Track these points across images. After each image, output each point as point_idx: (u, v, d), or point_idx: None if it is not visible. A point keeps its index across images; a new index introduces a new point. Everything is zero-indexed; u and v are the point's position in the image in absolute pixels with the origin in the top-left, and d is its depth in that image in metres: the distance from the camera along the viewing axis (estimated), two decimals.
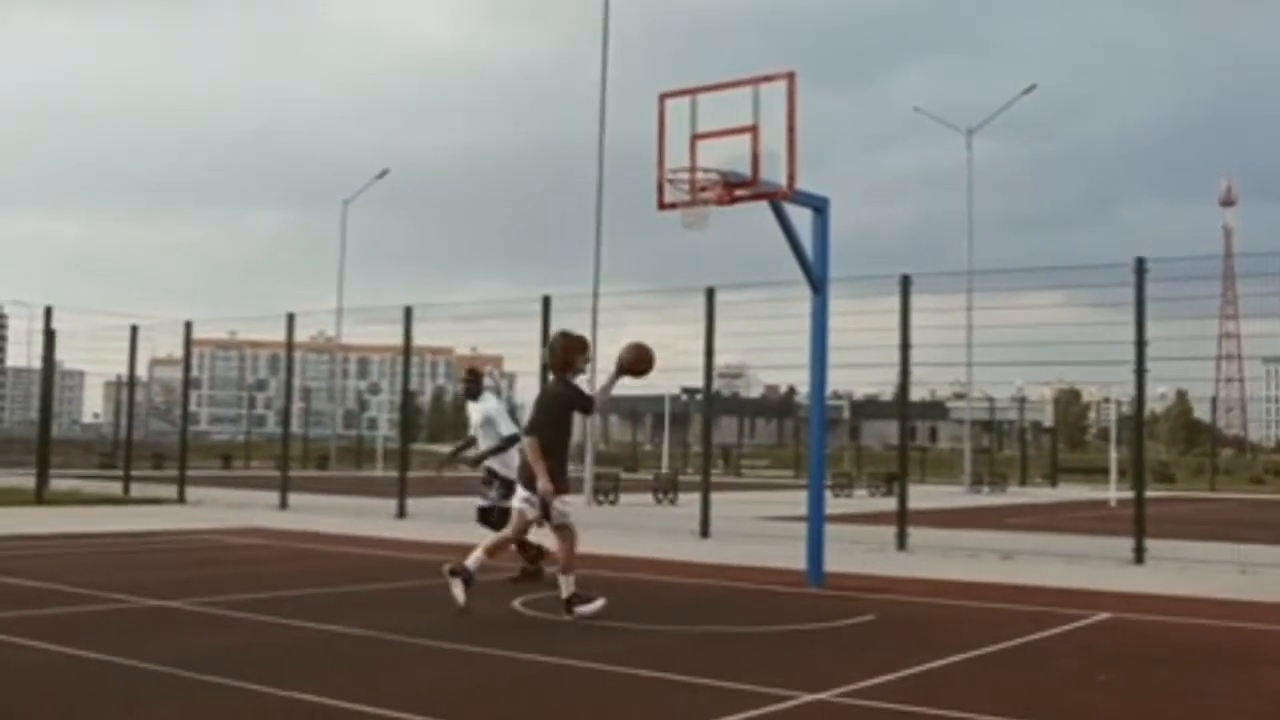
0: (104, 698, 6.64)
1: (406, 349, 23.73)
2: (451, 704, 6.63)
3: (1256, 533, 21.18)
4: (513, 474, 12.16)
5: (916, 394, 16.90)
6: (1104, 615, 10.54)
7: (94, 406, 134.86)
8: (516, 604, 10.58)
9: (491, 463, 12.82)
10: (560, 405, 10.02)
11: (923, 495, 29.70)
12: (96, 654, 7.74)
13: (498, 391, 16.36)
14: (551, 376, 10.32)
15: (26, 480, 27.30)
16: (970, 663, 8.22)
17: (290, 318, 25.00)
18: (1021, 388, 60.26)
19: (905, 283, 17.19)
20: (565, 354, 10.12)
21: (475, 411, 13.06)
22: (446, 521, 21.07)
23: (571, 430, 10.19)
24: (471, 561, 10.06)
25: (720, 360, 20.81)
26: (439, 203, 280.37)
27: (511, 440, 12.60)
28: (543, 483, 9.69)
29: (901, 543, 16.91)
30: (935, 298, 20.82)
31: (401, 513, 22.31)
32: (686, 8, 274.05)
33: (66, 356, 38.51)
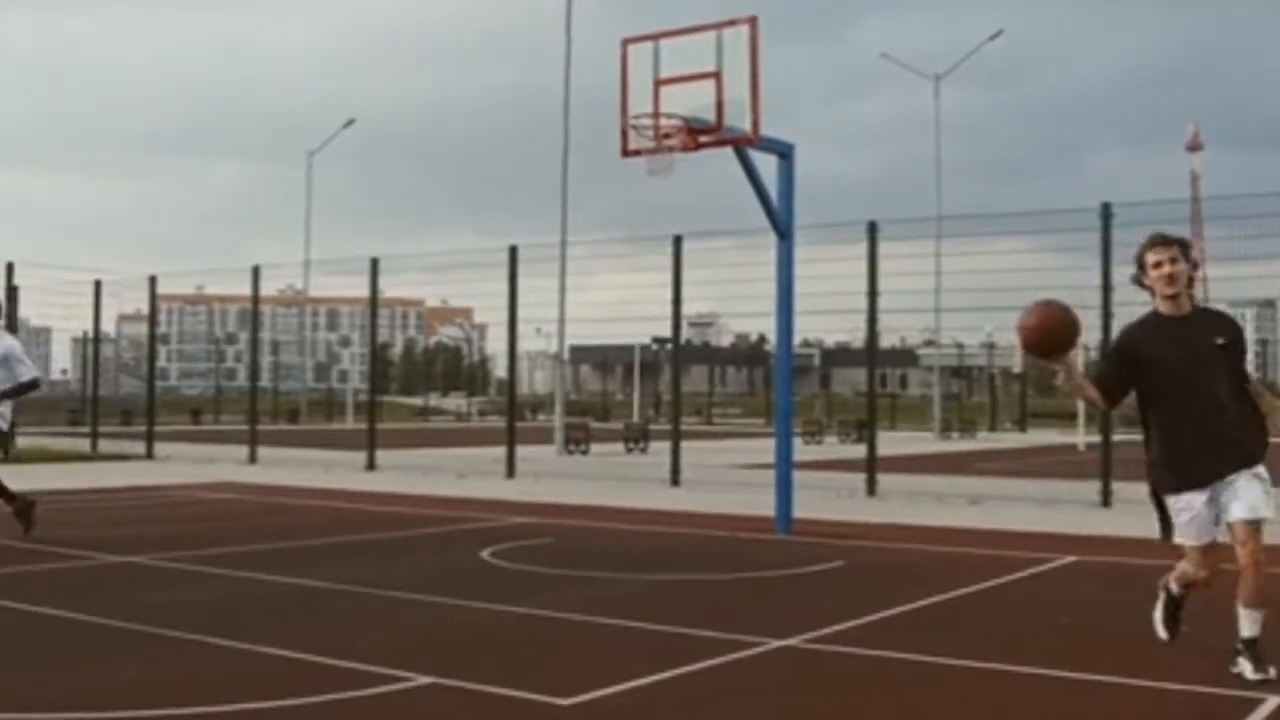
0: (68, 654, 6.58)
1: (373, 301, 23.62)
2: (418, 655, 6.60)
3: None
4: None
5: (886, 341, 16.99)
6: (1070, 559, 10.60)
7: (62, 363, 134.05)
8: (485, 554, 10.56)
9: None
10: (1123, 350, 6.30)
11: (893, 442, 29.83)
12: (61, 611, 7.69)
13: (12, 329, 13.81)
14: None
15: None
16: (937, 607, 8.25)
17: (256, 270, 24.82)
18: (990, 334, 60.44)
19: (872, 229, 17.16)
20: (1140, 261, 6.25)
21: None
22: (413, 474, 21.02)
23: (1191, 385, 6.02)
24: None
25: (690, 309, 20.84)
26: (407, 154, 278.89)
27: (32, 385, 11.39)
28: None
29: (871, 489, 16.97)
30: (903, 244, 20.77)
31: (371, 465, 22.25)
32: None
33: (32, 313, 38.25)
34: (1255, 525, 5.90)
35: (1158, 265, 6.09)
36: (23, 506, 11.51)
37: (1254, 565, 5.88)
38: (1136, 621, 7.88)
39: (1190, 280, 6.14)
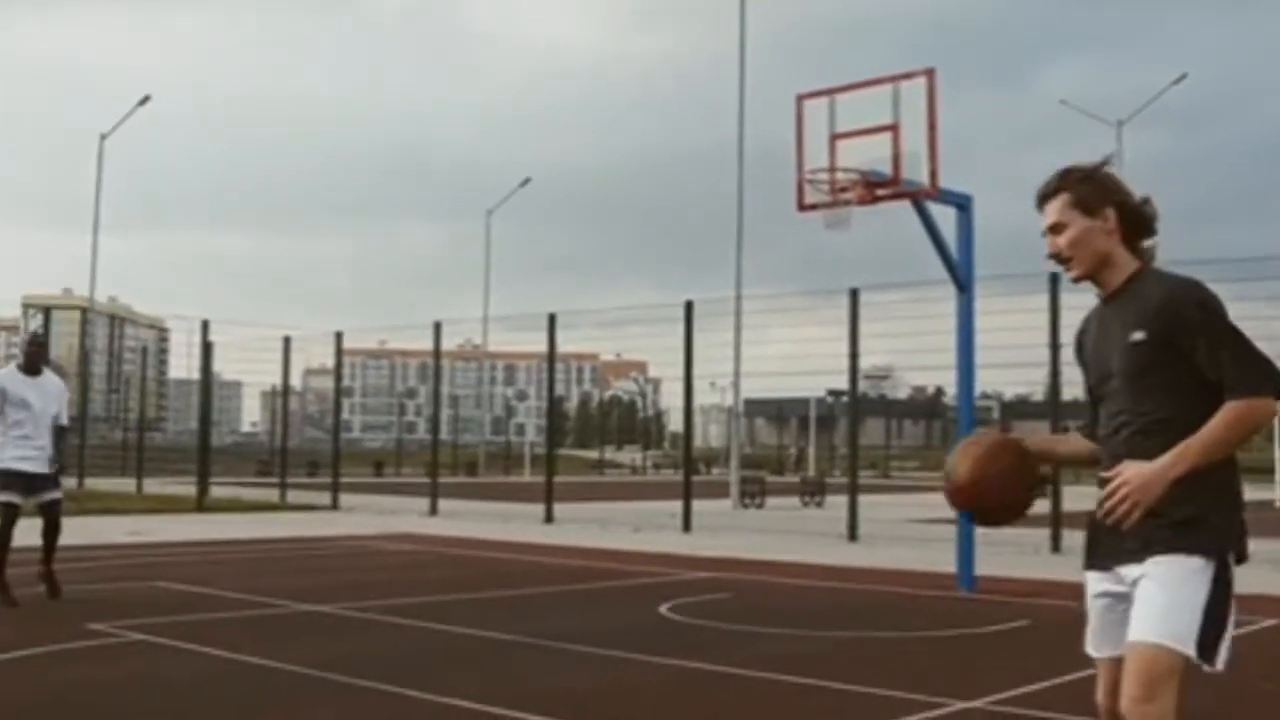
0: (260, 701, 6.80)
1: (551, 355, 23.95)
2: (601, 710, 6.65)
3: None
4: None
5: (1068, 393, 16.62)
6: (1270, 621, 10.18)
7: (251, 416, 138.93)
8: (664, 609, 10.58)
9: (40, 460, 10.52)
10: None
11: (1076, 496, 29.00)
12: (252, 658, 7.94)
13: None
14: None
15: (188, 488, 28.16)
16: None
17: (437, 326, 25.43)
18: None
19: (1054, 281, 16.82)
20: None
21: (44, 389, 10.55)
22: (590, 527, 21.18)
23: (1102, 410, 3.76)
24: None
25: (866, 362, 20.68)
26: (582, 209, 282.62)
27: (64, 432, 10.83)
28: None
29: (1056, 545, 16.55)
30: (1085, 295, 20.31)
31: (549, 518, 22.49)
32: (827, 9, 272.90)
33: (225, 368, 39.81)
34: (1144, 653, 3.41)
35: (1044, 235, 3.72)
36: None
37: None
38: None
39: (1130, 238, 3.64)
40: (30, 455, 10.39)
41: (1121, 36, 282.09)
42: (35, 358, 10.68)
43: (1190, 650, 3.35)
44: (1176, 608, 3.37)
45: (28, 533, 10.61)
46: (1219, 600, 3.39)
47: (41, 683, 7.29)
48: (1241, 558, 3.53)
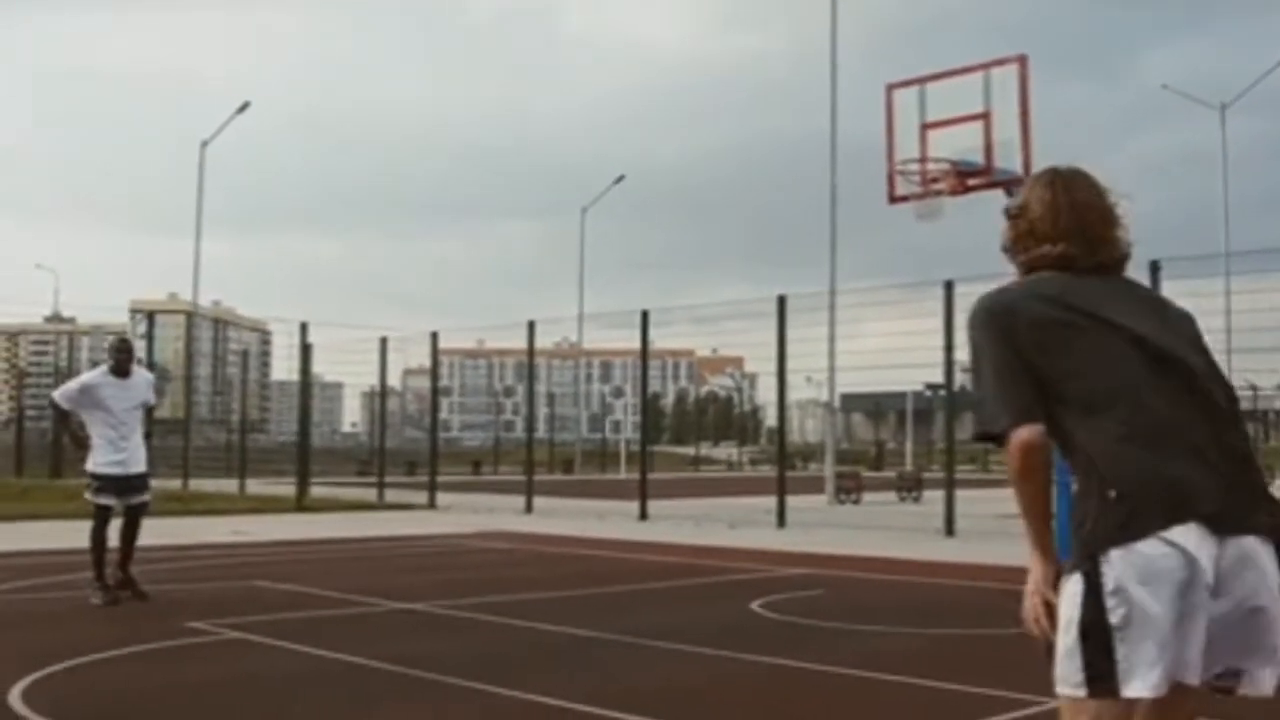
0: (351, 698, 6.84)
1: (644, 352, 23.96)
2: (687, 707, 6.60)
3: None
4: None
5: None
6: None
7: (352, 416, 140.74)
8: (755, 605, 10.51)
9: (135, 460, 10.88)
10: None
11: None
12: (345, 655, 7.99)
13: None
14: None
15: (289, 489, 28.57)
16: None
17: (531, 325, 25.53)
18: None
19: (1154, 269, 16.43)
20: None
21: (130, 388, 10.87)
22: (685, 524, 21.13)
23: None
24: None
25: (963, 355, 20.35)
26: (676, 206, 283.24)
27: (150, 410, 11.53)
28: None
29: None
30: (1189, 283, 19.89)
31: (643, 515, 22.48)
32: (915, 1, 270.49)
33: (325, 369, 40.29)
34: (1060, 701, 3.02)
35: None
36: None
37: None
38: None
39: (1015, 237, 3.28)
40: (121, 460, 10.72)
41: (1221, 21, 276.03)
42: (124, 362, 11.01)
43: (1080, 693, 2.88)
44: (1063, 647, 2.93)
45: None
46: (1092, 614, 2.85)
47: (141, 679, 7.41)
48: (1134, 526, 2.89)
